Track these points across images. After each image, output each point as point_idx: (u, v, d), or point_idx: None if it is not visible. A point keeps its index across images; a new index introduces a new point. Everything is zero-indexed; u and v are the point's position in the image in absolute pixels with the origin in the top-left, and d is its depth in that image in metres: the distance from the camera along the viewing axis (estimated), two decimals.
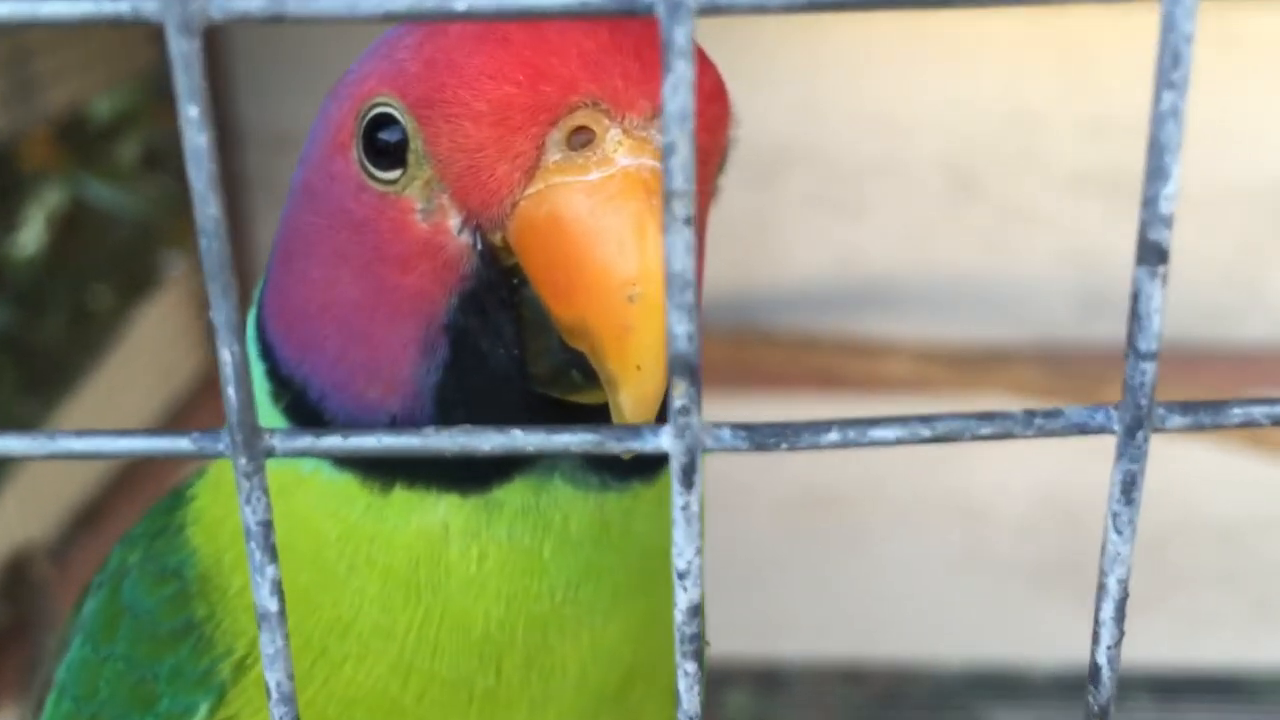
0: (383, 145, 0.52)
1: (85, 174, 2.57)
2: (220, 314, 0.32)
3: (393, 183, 0.52)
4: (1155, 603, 2.36)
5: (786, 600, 2.36)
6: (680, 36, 0.30)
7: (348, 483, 0.54)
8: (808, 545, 2.36)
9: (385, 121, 0.52)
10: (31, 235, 2.51)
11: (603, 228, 0.47)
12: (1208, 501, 2.29)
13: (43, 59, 2.16)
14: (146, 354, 2.44)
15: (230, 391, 0.33)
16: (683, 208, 0.31)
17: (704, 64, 0.51)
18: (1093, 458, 2.29)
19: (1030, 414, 0.34)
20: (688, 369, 0.32)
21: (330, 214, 0.55)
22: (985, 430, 0.33)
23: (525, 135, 0.48)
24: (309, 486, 0.55)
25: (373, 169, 0.53)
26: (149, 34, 2.38)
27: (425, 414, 0.53)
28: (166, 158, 2.60)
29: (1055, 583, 2.36)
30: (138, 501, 2.23)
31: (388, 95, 0.52)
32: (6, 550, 1.96)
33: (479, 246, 0.51)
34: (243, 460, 0.33)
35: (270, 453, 0.33)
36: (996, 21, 2.16)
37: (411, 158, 0.51)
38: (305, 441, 0.33)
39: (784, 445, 0.32)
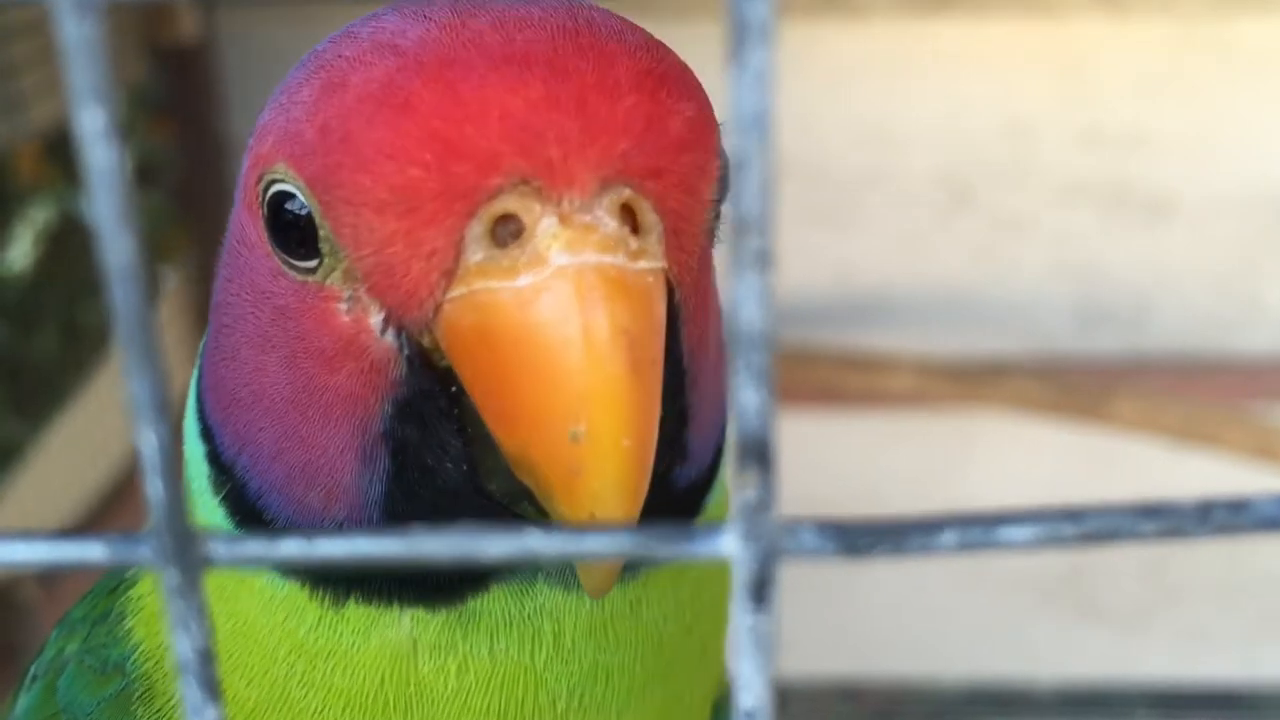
0: (290, 224, 0.41)
1: (75, 189, 2.48)
2: (139, 388, 0.23)
3: (309, 272, 0.42)
4: (1156, 617, 2.28)
5: (783, 616, 2.27)
6: (758, 11, 0.21)
7: (293, 593, 0.45)
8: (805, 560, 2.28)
9: (289, 197, 0.41)
10: (20, 252, 2.42)
11: (535, 347, 0.37)
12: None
13: (29, 74, 2.08)
14: None
15: (155, 485, 0.24)
16: (756, 240, 0.22)
17: (676, 95, 0.40)
18: (1094, 473, 2.21)
19: (1205, 508, 0.25)
20: (759, 451, 0.23)
21: (251, 290, 0.45)
22: (1149, 528, 0.25)
23: (438, 229, 0.38)
24: (252, 592, 0.45)
25: (285, 255, 0.42)
26: (138, 48, 2.30)
27: (374, 525, 0.43)
28: (157, 172, 2.51)
29: (1057, 597, 2.28)
30: (129, 524, 2.13)
31: (284, 168, 0.41)
32: None
33: (406, 350, 0.40)
34: (173, 573, 0.25)
35: (208, 563, 0.25)
36: (991, 31, 2.08)
37: (323, 243, 0.41)
38: (256, 548, 0.25)
39: (883, 550, 0.24)
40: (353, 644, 0.44)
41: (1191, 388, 2.06)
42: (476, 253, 0.38)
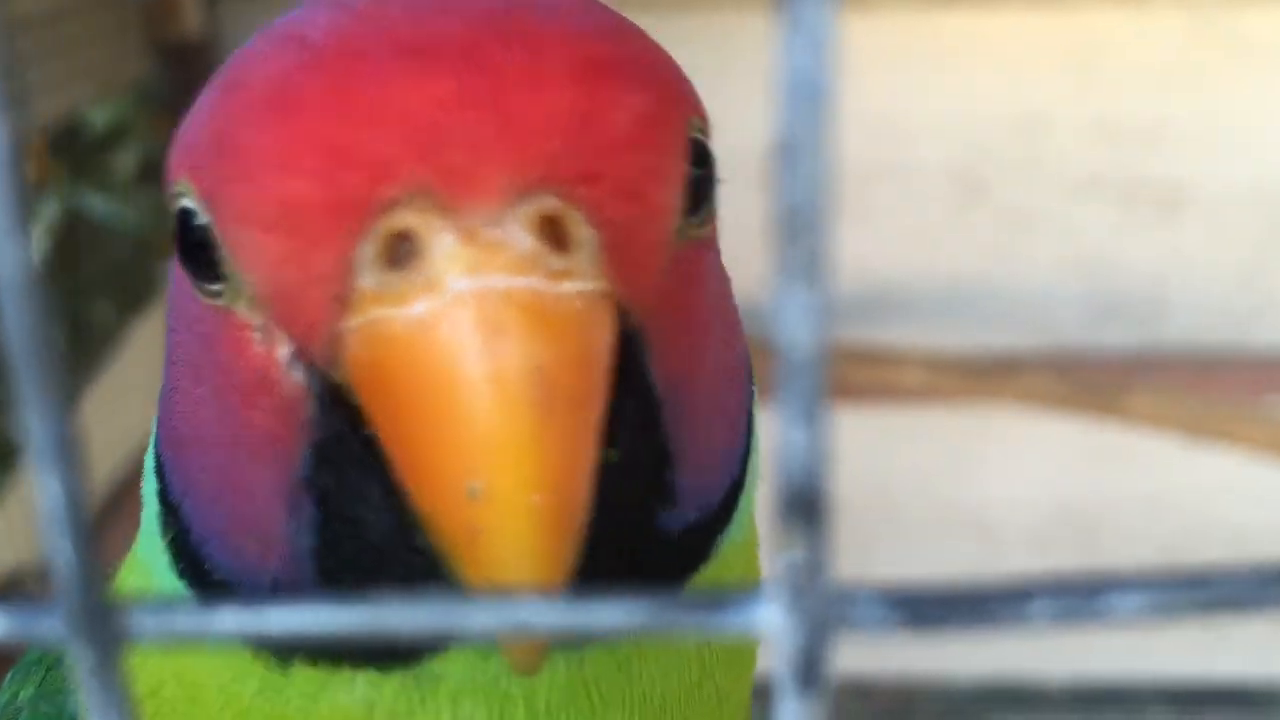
0: (197, 243, 0.36)
1: (81, 186, 2.44)
2: (38, 425, 0.19)
3: (218, 296, 0.36)
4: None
5: None
6: None
7: (237, 653, 0.39)
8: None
9: (194, 213, 0.36)
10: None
11: (430, 387, 0.31)
12: (1226, 510, 2.16)
13: (33, 70, 2.04)
14: (145, 367, 2.31)
15: (60, 545, 0.19)
16: (805, 243, 0.17)
17: (621, 86, 0.34)
18: (1108, 469, 2.16)
19: None
20: (807, 503, 0.18)
21: (183, 316, 0.39)
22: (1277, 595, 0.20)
23: (327, 250, 0.32)
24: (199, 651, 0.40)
25: (194, 278, 0.37)
26: (140, 45, 2.25)
27: (308, 578, 0.37)
28: (160, 171, 2.47)
29: None
30: (132, 524, 2.09)
31: (184, 181, 0.36)
32: (1, 573, 1.84)
33: (316, 387, 0.35)
34: (87, 651, 0.20)
35: (129, 638, 0.20)
36: (1003, 23, 2.03)
37: (225, 267, 0.35)
38: (187, 621, 0.20)
39: (958, 623, 0.19)
40: (301, 709, 0.38)
41: (1206, 383, 2.01)
42: (368, 277, 0.32)
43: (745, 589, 0.19)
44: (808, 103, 0.17)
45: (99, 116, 2.50)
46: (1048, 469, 2.15)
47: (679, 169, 0.36)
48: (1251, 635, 2.23)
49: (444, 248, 0.31)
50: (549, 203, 0.32)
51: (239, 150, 0.33)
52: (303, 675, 0.38)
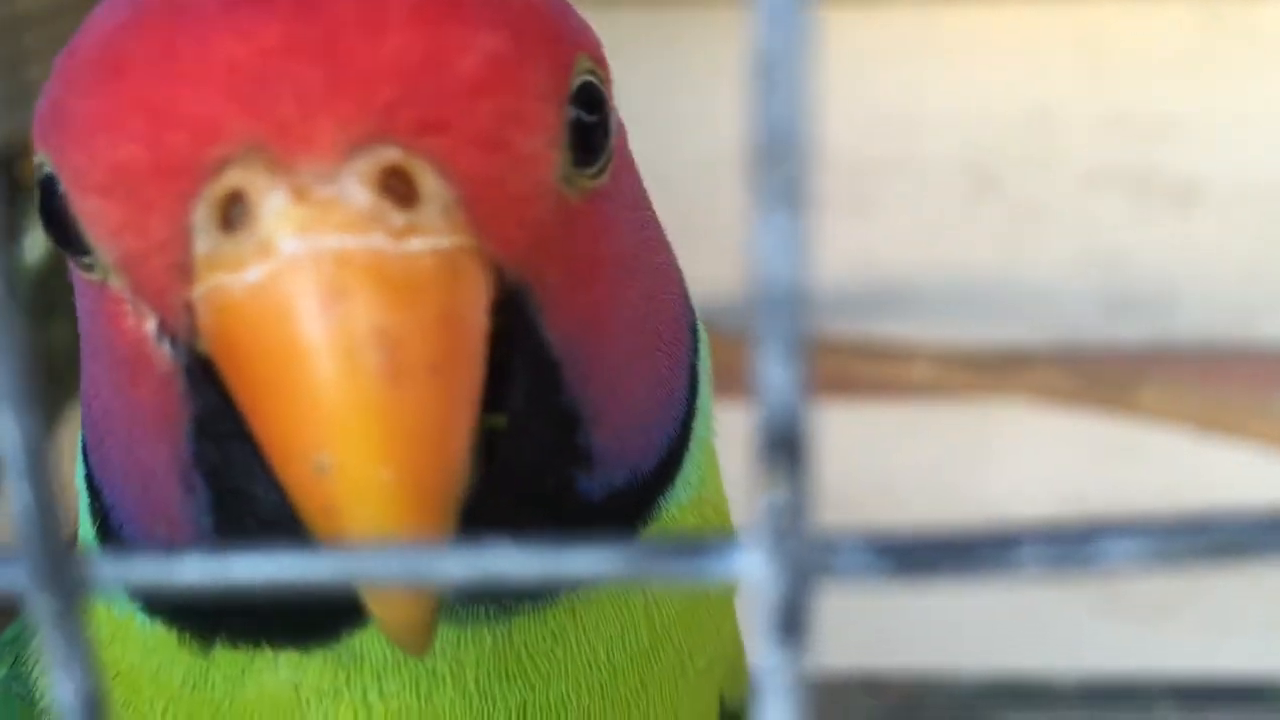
0: (61, 220, 0.34)
1: None
2: None
3: (91, 269, 0.35)
4: (1178, 609, 2.22)
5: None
6: None
7: (161, 637, 0.38)
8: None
9: (54, 182, 0.34)
10: (33, 245, 2.38)
11: (269, 357, 0.30)
12: (1237, 504, 2.14)
13: (39, 65, 2.04)
14: None
15: (21, 491, 0.19)
16: (782, 169, 0.17)
17: (473, 24, 0.31)
18: (1116, 459, 2.15)
19: None
20: (788, 443, 0.18)
21: (77, 290, 0.39)
22: None
23: (160, 215, 0.31)
24: (129, 635, 0.39)
25: (65, 250, 0.35)
26: None
27: None
28: None
29: (1078, 589, 2.22)
30: None
31: (42, 151, 0.35)
32: None
33: (184, 360, 0.33)
34: (47, 599, 0.19)
35: (87, 587, 0.19)
36: (1013, 15, 2.02)
37: (88, 240, 0.34)
38: (149, 568, 0.19)
39: (946, 570, 0.19)
40: (227, 694, 0.37)
41: (1219, 377, 2.00)
42: (203, 241, 0.31)
43: (723, 535, 0.19)
44: (781, 20, 0.16)
45: None
46: (1057, 464, 2.14)
47: (552, 114, 0.33)
48: (1261, 629, 2.21)
49: (274, 208, 0.30)
50: (390, 154, 0.30)
51: (72, 116, 0.32)
52: (226, 659, 0.37)
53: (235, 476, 0.34)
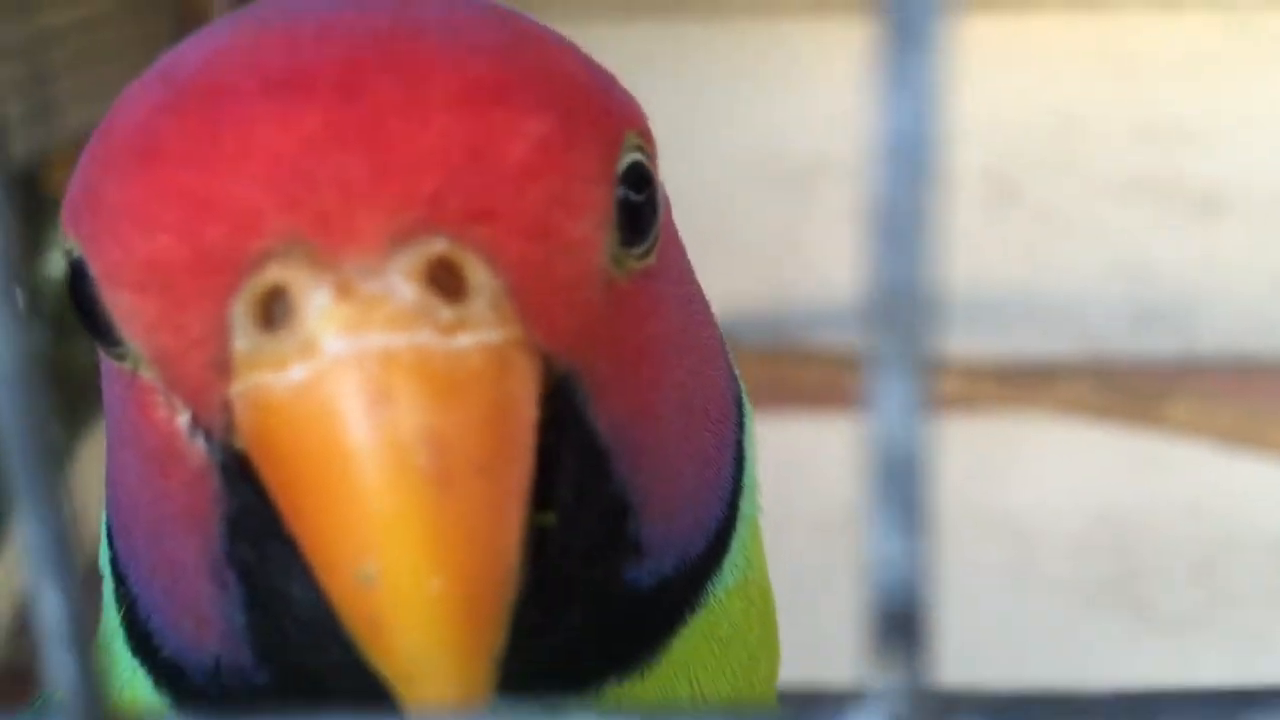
0: (92, 309, 0.32)
1: None
2: (36, 532, 0.16)
3: (122, 358, 0.33)
4: (1205, 622, 2.19)
5: (828, 623, 2.20)
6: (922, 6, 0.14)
7: None
8: (849, 566, 2.20)
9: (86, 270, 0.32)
10: (60, 259, 2.38)
11: (312, 461, 0.28)
12: (1258, 516, 2.12)
13: (63, 79, 2.03)
14: None
15: (62, 661, 0.17)
16: (904, 325, 0.15)
17: (521, 108, 0.30)
18: (1146, 473, 2.12)
19: None
20: (904, 622, 0.16)
21: (103, 368, 0.36)
22: None
23: (197, 311, 0.29)
24: None
25: (94, 336, 0.33)
26: (170, 47, 2.25)
27: (249, 660, 0.34)
28: None
29: (1105, 601, 2.19)
30: None
31: (71, 237, 0.32)
32: (16, 593, 1.83)
33: (219, 456, 0.31)
34: None
35: None
36: (1037, 24, 2.00)
37: (119, 332, 0.32)
38: None
39: None
40: None
41: (1247, 389, 1.98)
42: (242, 339, 0.29)
43: (832, 705, 0.17)
44: (909, 167, 0.14)
45: None
46: (1084, 478, 2.11)
47: (601, 195, 0.32)
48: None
49: (317, 305, 0.28)
50: (437, 246, 0.29)
51: (104, 204, 0.30)
52: None
53: (271, 576, 0.32)
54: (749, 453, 0.42)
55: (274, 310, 0.29)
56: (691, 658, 0.37)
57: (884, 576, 0.16)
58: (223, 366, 0.30)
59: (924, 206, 0.14)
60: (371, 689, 0.31)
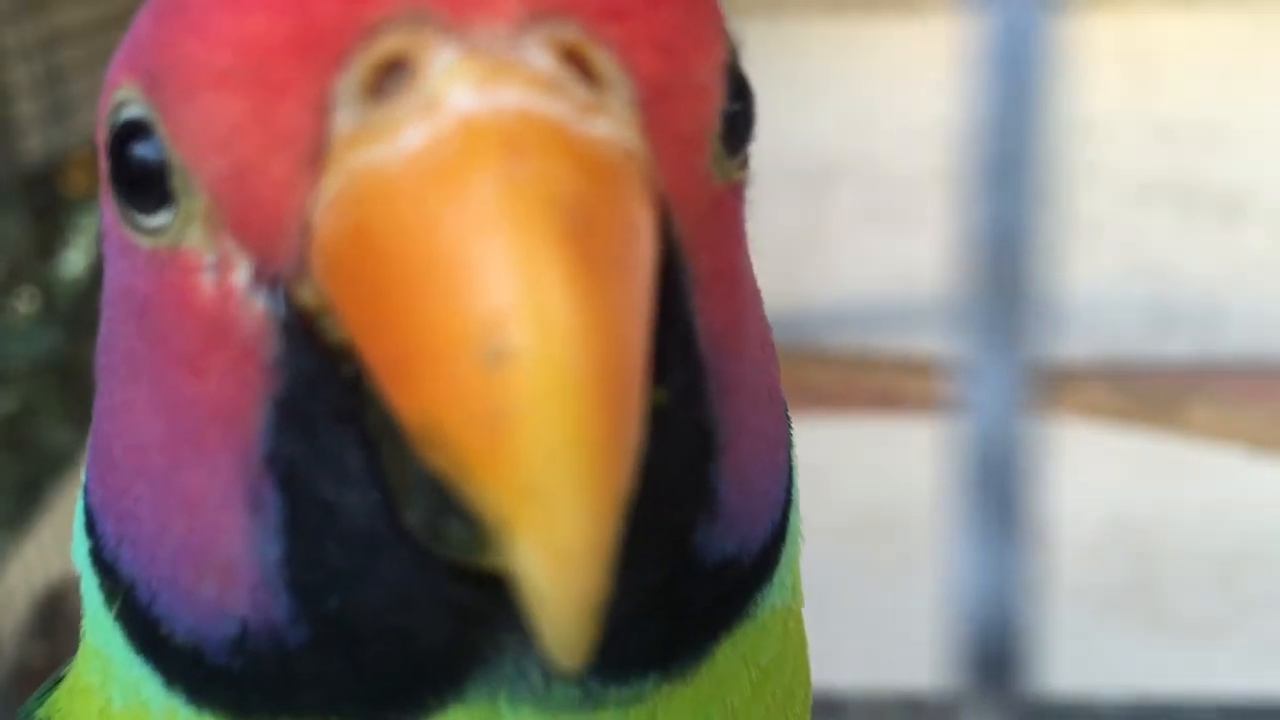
0: (138, 169, 0.28)
1: None
2: None
3: (162, 231, 0.28)
4: (1226, 630, 2.16)
5: (842, 628, 2.18)
6: None
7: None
8: (863, 571, 2.17)
9: (139, 131, 0.29)
10: (73, 259, 2.36)
11: (438, 232, 0.24)
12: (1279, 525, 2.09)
13: (80, 79, 2.02)
14: None
15: None
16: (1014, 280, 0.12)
17: None
18: (1166, 478, 2.09)
19: None
20: (996, 660, 0.13)
21: (115, 301, 0.32)
22: None
23: (296, 96, 0.26)
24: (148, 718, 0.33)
25: (135, 213, 0.29)
26: None
27: (283, 611, 0.29)
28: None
29: (1123, 608, 2.16)
30: None
31: (128, 85, 0.29)
32: (40, 587, 1.81)
33: (282, 313, 0.27)
34: None
35: None
36: (1058, 26, 1.97)
37: (176, 181, 0.28)
38: None
39: None
40: None
41: (1268, 393, 1.94)
42: (346, 114, 0.25)
43: None
44: (1012, 95, 0.11)
45: None
46: (1103, 482, 2.08)
47: (719, 60, 0.29)
48: None
49: (444, 63, 0.25)
50: (569, 33, 0.26)
51: (186, 9, 0.27)
52: None
53: (322, 473, 0.28)
54: (795, 467, 0.38)
55: (387, 82, 0.25)
56: (729, 680, 0.34)
57: (976, 602, 0.13)
58: (314, 162, 0.26)
59: (1032, 144, 0.11)
60: (411, 643, 0.28)
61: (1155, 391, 1.89)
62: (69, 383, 2.26)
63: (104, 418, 0.34)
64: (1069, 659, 2.15)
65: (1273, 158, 2.00)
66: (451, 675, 0.29)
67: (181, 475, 0.30)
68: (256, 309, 0.28)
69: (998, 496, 0.12)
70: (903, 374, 2.03)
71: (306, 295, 0.27)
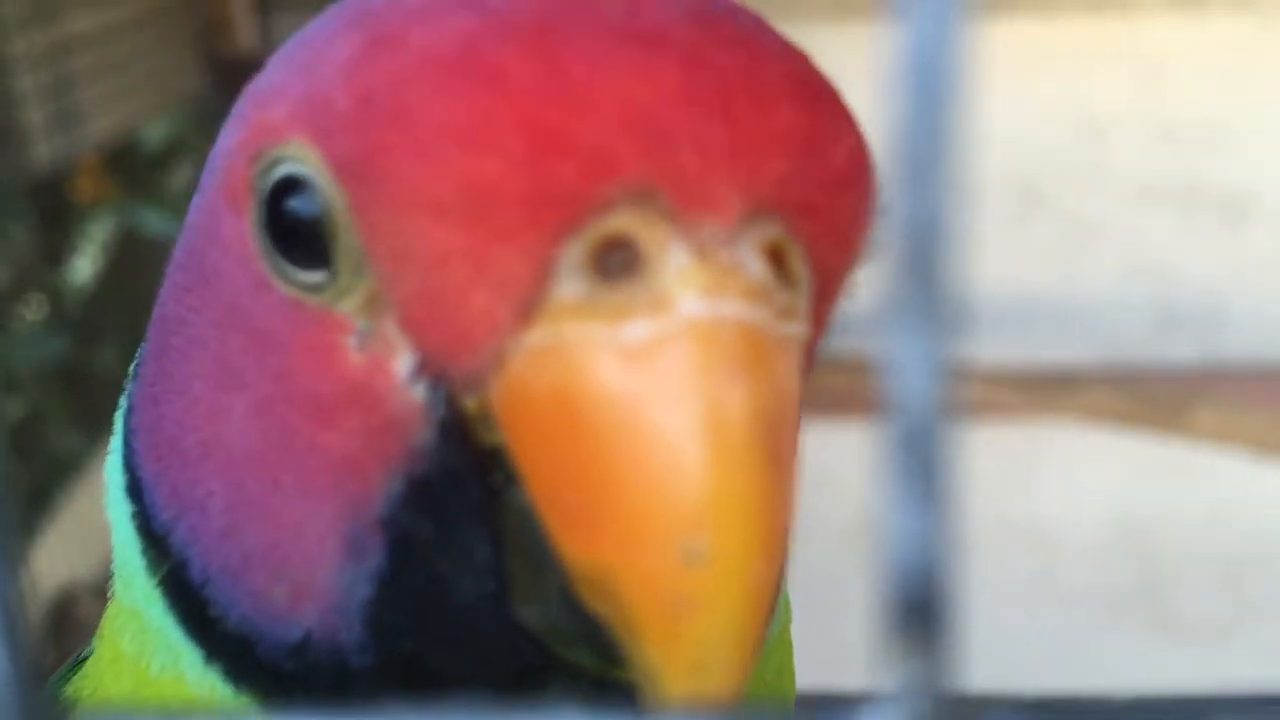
0: (294, 223, 0.30)
1: (136, 203, 2.44)
2: None
3: (315, 289, 0.30)
4: (1232, 633, 2.16)
5: (847, 632, 2.18)
6: None
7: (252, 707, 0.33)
8: (869, 574, 2.18)
9: (298, 186, 0.30)
10: (83, 265, 2.38)
11: (645, 425, 0.26)
12: None
13: (89, 87, 2.03)
14: None
15: None
16: (932, 277, 0.13)
17: (836, 116, 0.29)
18: (1170, 481, 2.09)
19: None
20: (923, 605, 0.14)
21: (218, 306, 0.33)
22: None
23: (520, 247, 0.27)
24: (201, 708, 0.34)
25: (282, 261, 0.31)
26: (196, 61, 2.25)
27: (354, 639, 0.31)
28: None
29: (1128, 611, 2.16)
30: None
31: (300, 144, 0.30)
32: (52, 589, 1.82)
33: (441, 412, 0.29)
34: None
35: None
36: (1060, 28, 1.97)
37: (341, 254, 0.29)
38: None
39: None
40: None
41: (1273, 396, 1.95)
42: (571, 284, 0.27)
43: (846, 705, 0.15)
44: (931, 100, 0.13)
45: (154, 133, 2.49)
46: (1107, 485, 2.09)
47: (870, 222, 0.31)
48: None
49: (677, 262, 0.27)
50: (773, 231, 0.28)
51: (411, 118, 0.28)
52: None
53: (444, 554, 0.30)
54: None
55: (609, 260, 0.27)
56: (751, 691, 0.36)
57: (902, 556, 0.14)
58: (524, 312, 0.27)
59: (946, 141, 0.13)
60: (474, 680, 0.30)
61: (1158, 394, 1.89)
62: (76, 389, 2.27)
63: (169, 400, 0.35)
64: (1072, 661, 2.15)
65: (1276, 159, 2.00)
66: (499, 688, 0.31)
67: (274, 496, 0.32)
68: (413, 399, 0.30)
69: (922, 469, 0.14)
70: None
71: (469, 403, 0.29)
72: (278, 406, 0.32)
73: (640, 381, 0.26)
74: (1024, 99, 2.01)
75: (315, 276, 0.31)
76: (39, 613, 1.78)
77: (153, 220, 2.42)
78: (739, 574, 0.26)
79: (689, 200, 0.27)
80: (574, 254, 0.27)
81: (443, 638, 0.31)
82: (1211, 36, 1.95)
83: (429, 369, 0.29)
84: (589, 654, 0.29)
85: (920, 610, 0.14)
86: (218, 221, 0.33)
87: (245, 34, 2.20)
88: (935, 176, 0.13)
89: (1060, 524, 2.14)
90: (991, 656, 2.21)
